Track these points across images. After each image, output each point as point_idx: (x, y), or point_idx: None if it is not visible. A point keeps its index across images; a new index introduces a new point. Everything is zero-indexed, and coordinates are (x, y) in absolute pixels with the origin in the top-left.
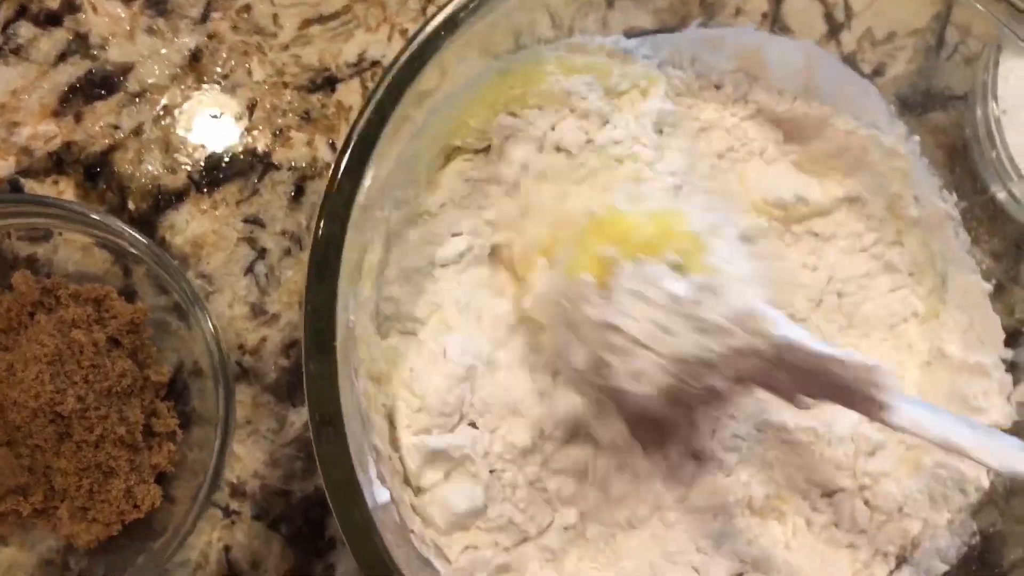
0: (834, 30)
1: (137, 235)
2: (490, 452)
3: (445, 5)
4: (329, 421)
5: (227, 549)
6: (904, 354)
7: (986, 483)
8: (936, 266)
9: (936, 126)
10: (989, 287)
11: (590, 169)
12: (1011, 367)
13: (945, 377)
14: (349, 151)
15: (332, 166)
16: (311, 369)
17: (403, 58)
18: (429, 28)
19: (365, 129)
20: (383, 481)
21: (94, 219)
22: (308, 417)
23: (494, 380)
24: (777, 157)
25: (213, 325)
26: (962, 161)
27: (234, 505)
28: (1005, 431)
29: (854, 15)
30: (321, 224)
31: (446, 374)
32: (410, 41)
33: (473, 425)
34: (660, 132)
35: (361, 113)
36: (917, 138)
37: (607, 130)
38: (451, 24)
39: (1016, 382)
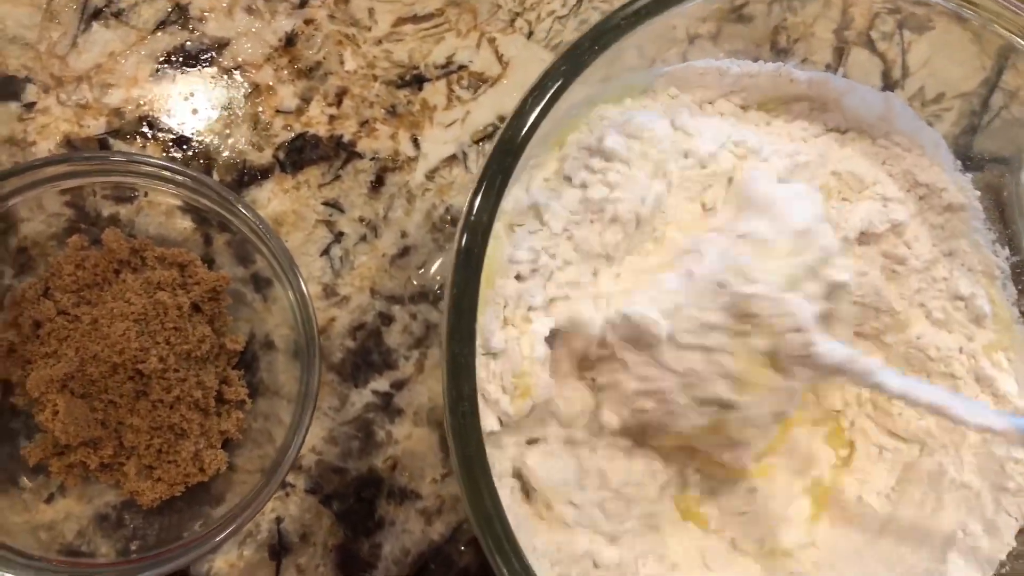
0: (889, 87)
1: (234, 195)
2: None
3: (568, 48)
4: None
5: (279, 520)
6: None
7: None
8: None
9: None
10: None
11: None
12: None
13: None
14: (484, 186)
15: (473, 191)
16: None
17: (535, 103)
18: (557, 72)
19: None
20: None
21: (190, 176)
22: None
23: None
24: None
25: (307, 289)
26: (1008, 219)
27: (290, 478)
28: None
29: (910, 74)
30: (472, 217)
31: None
32: (540, 84)
33: None
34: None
35: (497, 147)
36: (978, 192)
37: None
38: (578, 67)
39: None
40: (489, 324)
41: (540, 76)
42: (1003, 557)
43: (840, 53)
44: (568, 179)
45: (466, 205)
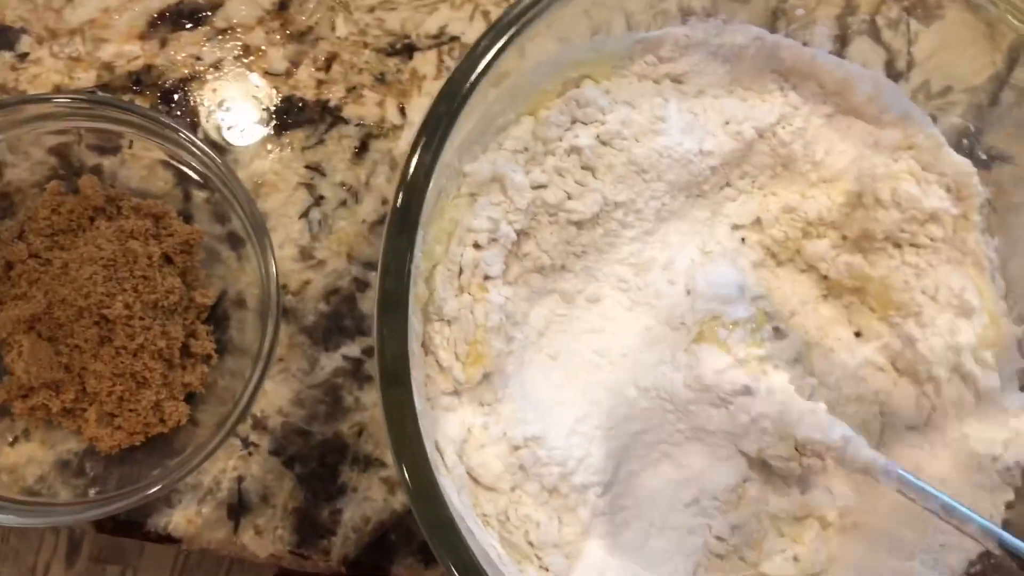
0: (893, 78)
1: (213, 154)
2: None
3: None
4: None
5: (240, 479)
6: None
7: None
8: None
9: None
10: (1019, 332)
11: None
12: None
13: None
14: (424, 140)
15: (412, 146)
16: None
17: (485, 41)
18: (512, 14)
19: (444, 106)
20: None
21: (175, 129)
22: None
23: None
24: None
25: (274, 256)
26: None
27: (254, 438)
28: None
29: (915, 65)
30: (401, 189)
31: None
32: (492, 26)
33: None
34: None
35: (442, 92)
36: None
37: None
38: (531, 13)
39: None
40: (443, 290)
41: (495, 21)
42: (973, 557)
43: (842, 41)
44: (534, 160)
45: (404, 161)
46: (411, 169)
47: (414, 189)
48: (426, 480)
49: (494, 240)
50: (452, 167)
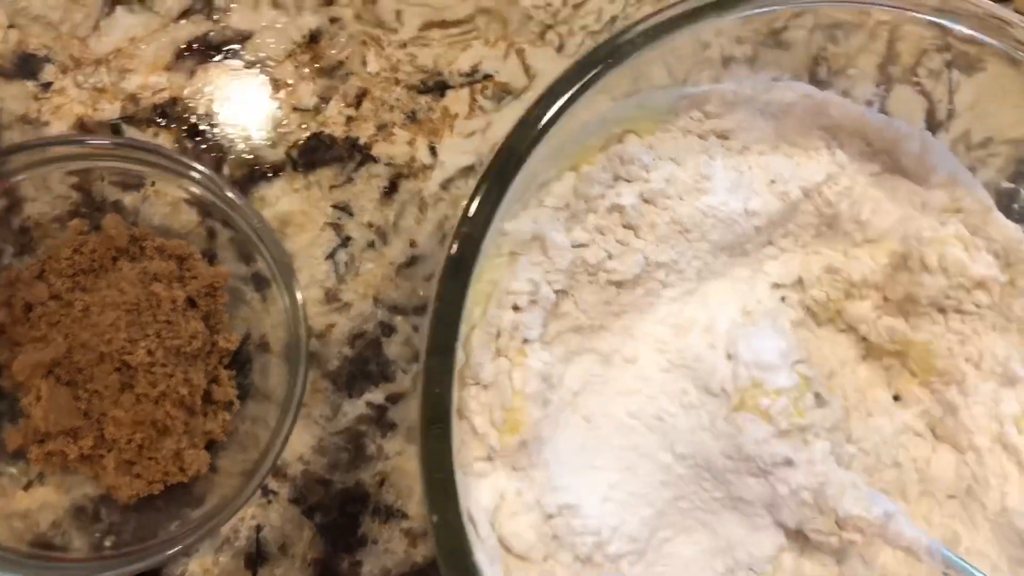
0: (933, 128)
1: (238, 196)
2: None
3: (581, 58)
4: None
5: (259, 528)
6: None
7: None
8: None
9: None
10: None
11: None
12: None
13: None
14: (481, 196)
15: (468, 199)
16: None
17: (542, 111)
18: (568, 82)
19: (500, 169)
20: None
21: (198, 171)
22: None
23: None
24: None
25: (301, 298)
26: None
27: (273, 485)
28: None
29: (956, 115)
30: (459, 237)
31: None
32: (550, 92)
33: None
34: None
35: (499, 154)
36: None
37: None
38: (591, 79)
39: None
40: (480, 354)
41: (550, 84)
42: None
43: (884, 90)
44: (575, 218)
45: (460, 213)
46: (470, 214)
47: (470, 237)
48: (462, 551)
49: (534, 302)
50: (494, 226)
